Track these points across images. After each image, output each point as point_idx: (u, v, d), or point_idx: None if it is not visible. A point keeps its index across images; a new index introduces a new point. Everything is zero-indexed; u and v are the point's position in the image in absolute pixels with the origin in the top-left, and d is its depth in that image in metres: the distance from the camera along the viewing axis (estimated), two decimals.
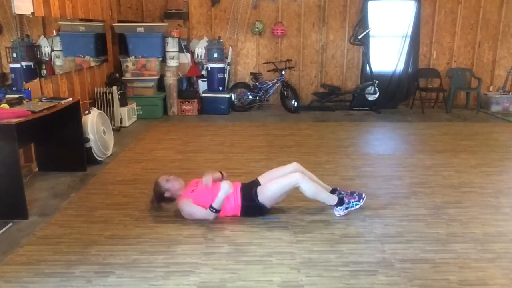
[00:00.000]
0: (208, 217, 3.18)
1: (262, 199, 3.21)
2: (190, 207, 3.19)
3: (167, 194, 3.27)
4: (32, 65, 4.48)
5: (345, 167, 4.50)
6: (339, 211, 3.29)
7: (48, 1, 4.67)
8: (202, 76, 7.38)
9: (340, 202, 3.29)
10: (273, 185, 3.22)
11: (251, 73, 7.64)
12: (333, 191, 3.45)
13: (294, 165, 3.43)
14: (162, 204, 3.37)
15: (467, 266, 2.63)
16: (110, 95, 5.91)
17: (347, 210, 3.29)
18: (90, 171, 4.33)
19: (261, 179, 3.38)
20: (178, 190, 3.28)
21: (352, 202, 3.30)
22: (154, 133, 5.94)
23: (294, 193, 3.31)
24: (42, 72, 4.64)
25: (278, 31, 7.54)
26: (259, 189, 3.24)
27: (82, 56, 5.82)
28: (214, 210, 3.16)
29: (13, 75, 4.22)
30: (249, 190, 3.26)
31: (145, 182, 4.04)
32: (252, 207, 3.23)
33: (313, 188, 3.22)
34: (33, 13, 4.34)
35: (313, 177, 3.42)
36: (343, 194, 3.45)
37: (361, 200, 3.32)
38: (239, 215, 3.27)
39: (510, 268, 2.63)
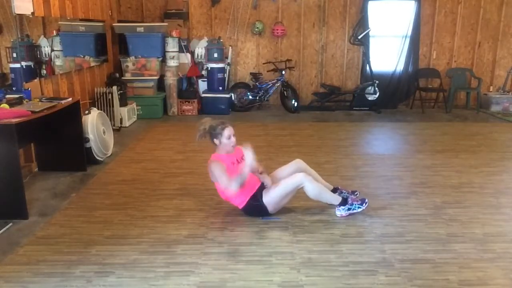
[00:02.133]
0: (230, 186, 3.09)
1: (267, 201, 3.20)
2: (221, 172, 3.13)
3: (216, 141, 3.24)
4: (32, 65, 4.48)
5: (345, 167, 4.50)
6: (341, 211, 3.28)
7: (48, 1, 4.67)
8: (202, 76, 7.39)
9: (344, 202, 3.28)
10: (277, 188, 3.20)
11: (251, 73, 7.65)
12: (334, 190, 3.45)
13: (297, 163, 3.43)
14: (205, 137, 3.30)
15: (467, 266, 2.63)
16: (110, 95, 5.91)
17: (349, 212, 3.28)
18: (90, 171, 4.33)
19: None
20: (223, 149, 3.25)
21: (355, 205, 3.28)
22: (154, 133, 5.94)
23: (295, 193, 3.30)
24: (42, 72, 4.64)
25: (278, 31, 7.54)
26: (264, 191, 3.23)
27: (82, 56, 5.82)
28: (240, 179, 3.09)
29: (13, 75, 4.22)
30: (258, 191, 3.25)
31: (145, 182, 4.04)
32: (254, 206, 3.23)
33: (316, 188, 3.21)
34: (33, 13, 4.34)
35: (316, 175, 3.42)
36: (344, 193, 3.45)
37: (364, 205, 3.29)
38: (240, 208, 3.27)
39: (510, 268, 2.63)
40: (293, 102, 7.39)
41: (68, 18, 5.25)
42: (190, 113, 7.13)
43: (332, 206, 3.32)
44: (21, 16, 4.18)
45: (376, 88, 7.42)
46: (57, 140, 4.25)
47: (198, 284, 2.45)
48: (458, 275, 2.54)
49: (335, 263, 2.66)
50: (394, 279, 2.50)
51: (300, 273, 2.56)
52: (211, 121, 3.32)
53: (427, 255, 2.76)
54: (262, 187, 3.27)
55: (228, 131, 3.23)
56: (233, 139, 3.25)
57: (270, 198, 3.20)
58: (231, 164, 3.26)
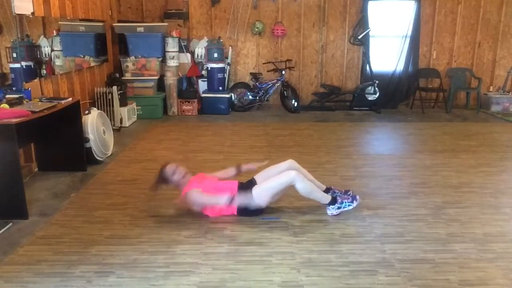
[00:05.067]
0: (219, 201, 3.16)
1: (257, 198, 3.20)
2: (201, 197, 3.20)
3: (172, 184, 3.32)
4: (32, 65, 4.48)
5: (345, 167, 4.50)
6: (331, 210, 3.29)
7: (48, 1, 4.67)
8: (202, 76, 7.39)
9: (333, 201, 3.30)
10: (268, 184, 3.22)
11: (251, 73, 7.65)
12: (327, 190, 3.46)
13: (289, 162, 3.43)
14: (162, 187, 3.39)
15: (467, 266, 2.63)
16: (110, 95, 5.91)
17: (339, 210, 3.29)
18: (90, 171, 4.33)
19: (257, 177, 3.39)
20: (182, 183, 3.30)
21: (345, 203, 3.30)
22: (154, 133, 5.94)
23: (294, 193, 3.30)
24: (42, 72, 4.64)
25: (278, 31, 7.54)
26: (254, 188, 3.23)
27: (82, 56, 5.82)
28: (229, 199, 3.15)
29: (13, 75, 4.22)
30: (245, 190, 3.25)
31: (145, 182, 4.04)
32: (247, 207, 3.23)
33: (307, 187, 3.22)
34: (33, 13, 4.34)
35: (308, 175, 3.43)
36: (337, 193, 3.47)
37: (354, 202, 3.30)
38: (236, 214, 3.28)
39: (510, 268, 2.63)
40: (293, 102, 7.40)
41: (68, 18, 5.25)
42: (190, 113, 7.13)
43: (325, 205, 3.33)
44: (21, 16, 4.18)
45: (376, 88, 7.42)
46: (57, 140, 4.25)
47: (198, 284, 2.45)
48: (458, 275, 2.54)
49: (335, 263, 2.66)
50: (394, 279, 2.50)
51: (300, 273, 2.56)
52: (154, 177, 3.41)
53: (427, 255, 2.76)
54: (242, 185, 3.31)
55: (169, 170, 3.31)
56: (178, 170, 3.32)
57: (260, 196, 3.19)
58: (200, 180, 3.31)
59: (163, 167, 3.36)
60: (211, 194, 3.23)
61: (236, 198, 3.18)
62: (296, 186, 3.18)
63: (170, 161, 3.43)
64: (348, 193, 3.53)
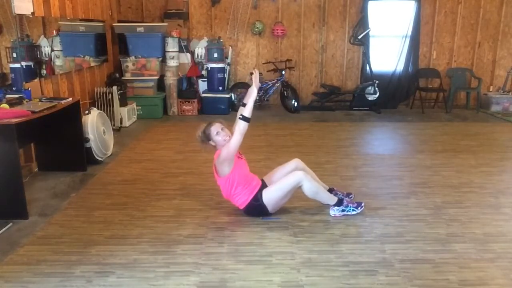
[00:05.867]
0: (241, 131, 3.11)
1: (266, 200, 3.21)
2: (228, 146, 3.14)
3: (212, 143, 3.28)
4: (32, 65, 4.48)
5: (345, 167, 4.50)
6: (335, 211, 3.29)
7: (48, 1, 4.66)
8: (202, 76, 7.39)
9: (339, 203, 3.30)
10: (276, 186, 3.22)
11: (251, 73, 7.64)
12: (329, 191, 3.45)
13: (296, 162, 3.44)
14: (202, 144, 3.35)
15: (467, 266, 2.63)
16: (110, 95, 5.91)
17: (343, 213, 3.29)
18: (90, 171, 4.33)
19: (266, 179, 3.38)
20: (222, 145, 3.24)
21: (350, 207, 3.30)
22: (154, 133, 5.94)
23: (295, 193, 3.30)
24: (42, 72, 4.64)
25: (278, 31, 7.54)
26: (264, 191, 3.24)
27: (82, 56, 5.82)
28: (242, 117, 3.10)
29: (13, 75, 4.22)
30: (259, 191, 3.26)
31: (145, 182, 4.05)
32: (255, 206, 3.23)
33: (314, 187, 3.22)
34: (33, 13, 4.34)
35: (314, 175, 3.42)
36: (339, 194, 3.46)
37: (359, 208, 3.31)
38: (241, 208, 3.27)
39: (510, 268, 2.63)
40: (293, 102, 7.39)
41: (68, 18, 5.25)
42: (190, 113, 7.13)
43: (329, 206, 3.32)
44: (21, 16, 4.18)
45: (376, 88, 7.42)
46: (57, 140, 4.25)
47: (198, 284, 2.45)
48: (458, 275, 2.54)
49: (335, 263, 2.66)
50: (394, 279, 2.50)
51: (300, 273, 2.56)
52: (202, 125, 3.35)
53: (427, 255, 2.76)
54: (263, 187, 3.28)
55: (214, 129, 3.24)
56: (223, 133, 3.25)
57: (270, 198, 3.21)
58: (236, 158, 3.27)
59: (209, 123, 3.31)
60: (239, 182, 3.21)
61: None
62: (303, 187, 3.18)
63: (219, 121, 3.35)
64: (350, 196, 3.53)
